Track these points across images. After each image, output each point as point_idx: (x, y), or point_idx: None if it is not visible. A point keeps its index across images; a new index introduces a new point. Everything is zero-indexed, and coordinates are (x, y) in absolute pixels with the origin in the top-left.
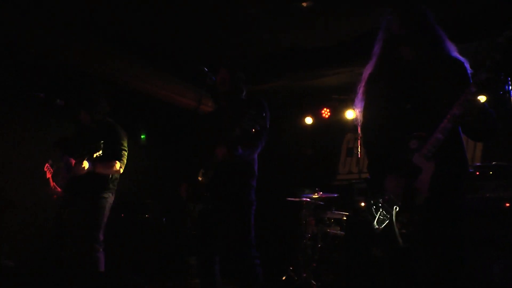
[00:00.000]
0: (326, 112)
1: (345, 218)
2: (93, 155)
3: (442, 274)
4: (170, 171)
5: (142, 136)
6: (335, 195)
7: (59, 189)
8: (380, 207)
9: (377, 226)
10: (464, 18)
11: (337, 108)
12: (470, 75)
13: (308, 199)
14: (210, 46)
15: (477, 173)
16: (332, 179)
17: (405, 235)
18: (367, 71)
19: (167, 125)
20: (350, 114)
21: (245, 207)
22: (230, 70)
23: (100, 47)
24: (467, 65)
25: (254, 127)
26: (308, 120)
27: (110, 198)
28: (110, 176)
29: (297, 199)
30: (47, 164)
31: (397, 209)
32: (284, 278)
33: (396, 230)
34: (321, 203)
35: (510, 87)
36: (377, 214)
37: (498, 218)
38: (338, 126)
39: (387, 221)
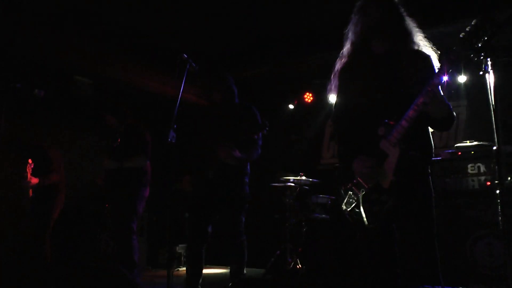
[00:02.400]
0: (308, 97)
1: (329, 202)
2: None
3: (416, 252)
4: (165, 163)
5: None
6: (320, 180)
7: (35, 180)
8: (348, 189)
9: (344, 208)
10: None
11: (320, 93)
12: (435, 68)
13: (292, 184)
14: (193, 34)
15: (459, 153)
16: (316, 164)
17: (372, 215)
18: (340, 61)
19: (155, 116)
20: (333, 98)
21: (241, 200)
22: (226, 90)
23: (83, 38)
24: (433, 60)
25: (257, 134)
26: (291, 105)
27: (145, 191)
28: (144, 171)
29: (281, 185)
30: (28, 165)
31: (365, 191)
32: (271, 263)
33: (362, 211)
34: (306, 187)
35: (489, 68)
36: (345, 197)
37: (480, 197)
38: (321, 111)
39: (355, 203)
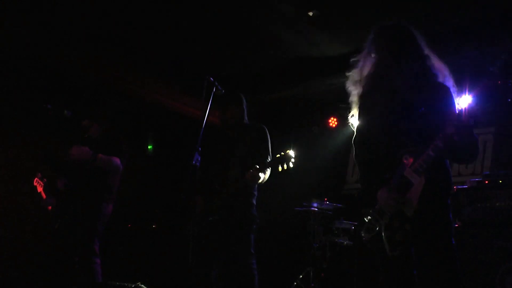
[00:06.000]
0: (333, 121)
1: (353, 227)
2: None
3: (435, 283)
4: (179, 181)
5: (149, 147)
6: (343, 205)
7: (52, 200)
8: (370, 215)
9: (365, 234)
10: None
11: (345, 117)
12: (454, 99)
13: (316, 209)
14: (220, 57)
15: (486, 182)
16: (340, 189)
17: (394, 242)
18: (357, 87)
19: (175, 135)
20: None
21: (248, 220)
22: (238, 105)
23: (111, 58)
24: (452, 90)
25: (283, 166)
26: (316, 129)
27: (107, 208)
28: (108, 185)
29: (305, 209)
30: (36, 178)
31: (388, 219)
32: (293, 287)
33: (385, 238)
34: (329, 212)
35: None
36: (366, 223)
37: (509, 228)
38: (346, 135)
39: (377, 230)
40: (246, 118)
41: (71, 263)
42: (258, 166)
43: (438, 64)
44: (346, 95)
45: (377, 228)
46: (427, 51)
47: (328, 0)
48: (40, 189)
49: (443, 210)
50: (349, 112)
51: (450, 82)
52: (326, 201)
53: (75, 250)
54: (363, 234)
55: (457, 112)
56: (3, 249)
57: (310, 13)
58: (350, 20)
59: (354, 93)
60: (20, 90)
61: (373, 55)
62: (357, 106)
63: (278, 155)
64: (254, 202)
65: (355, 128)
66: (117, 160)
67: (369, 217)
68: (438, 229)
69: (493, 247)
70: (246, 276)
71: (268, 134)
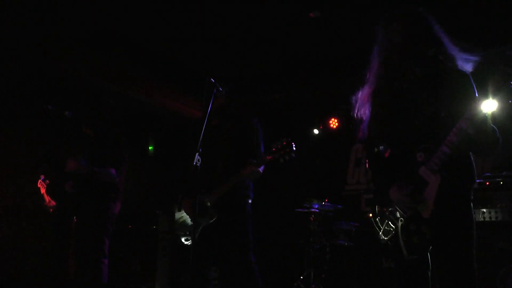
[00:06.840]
0: (334, 122)
1: (353, 229)
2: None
3: (452, 285)
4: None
5: (150, 148)
6: (344, 206)
7: (53, 202)
8: (386, 218)
9: (382, 237)
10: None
11: (345, 118)
12: (475, 87)
13: (317, 210)
14: (220, 57)
15: (487, 183)
16: (341, 190)
17: (411, 246)
18: (368, 84)
19: (176, 136)
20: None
21: (243, 217)
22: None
23: (111, 58)
24: (471, 78)
25: (285, 160)
26: (316, 131)
27: (114, 207)
28: (114, 185)
29: (305, 210)
30: (39, 180)
31: (403, 220)
32: None
33: (401, 241)
34: (330, 213)
35: None
36: (382, 225)
37: (510, 229)
38: (346, 136)
39: (393, 232)
40: (230, 108)
41: (81, 264)
42: (255, 161)
43: (454, 50)
44: (347, 95)
45: (393, 231)
46: (443, 37)
47: (330, 1)
48: (43, 190)
49: (462, 210)
50: (351, 112)
51: (469, 65)
52: (327, 202)
53: (86, 251)
54: (381, 237)
55: (473, 103)
56: (4, 249)
57: (312, 14)
58: (351, 20)
59: (367, 91)
60: (21, 91)
61: (383, 50)
62: (369, 105)
63: (276, 146)
64: (251, 195)
65: (367, 128)
66: (113, 172)
67: (385, 219)
68: (455, 232)
69: (494, 249)
70: (249, 276)
71: (257, 123)
